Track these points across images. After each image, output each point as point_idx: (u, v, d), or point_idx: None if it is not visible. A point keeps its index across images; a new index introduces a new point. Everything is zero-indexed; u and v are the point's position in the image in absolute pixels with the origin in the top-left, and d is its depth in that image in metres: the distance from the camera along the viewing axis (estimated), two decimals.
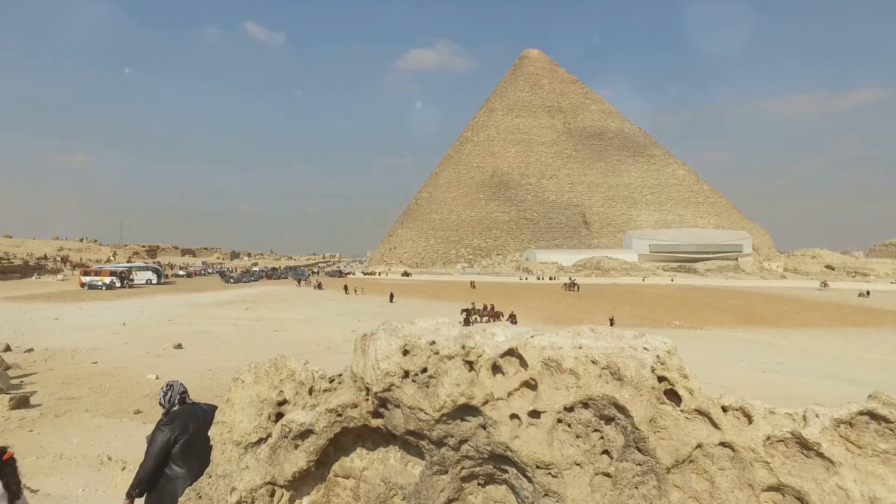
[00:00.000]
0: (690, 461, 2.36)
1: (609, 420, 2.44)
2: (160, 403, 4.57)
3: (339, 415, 2.79)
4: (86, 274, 63.73)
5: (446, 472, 2.64)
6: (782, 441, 2.34)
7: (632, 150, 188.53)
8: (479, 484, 2.70)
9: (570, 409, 2.49)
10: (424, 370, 2.62)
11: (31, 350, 20.83)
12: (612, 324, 34.94)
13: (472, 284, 79.17)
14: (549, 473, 2.45)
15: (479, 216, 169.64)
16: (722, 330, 39.75)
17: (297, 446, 2.82)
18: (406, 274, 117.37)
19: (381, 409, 2.73)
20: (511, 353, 2.63)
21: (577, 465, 2.45)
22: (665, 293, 73.96)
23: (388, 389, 2.65)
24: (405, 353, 2.68)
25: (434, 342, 2.67)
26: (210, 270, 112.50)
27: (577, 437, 2.49)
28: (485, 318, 33.66)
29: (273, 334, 29.57)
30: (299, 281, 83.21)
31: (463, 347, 2.63)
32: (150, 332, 27.67)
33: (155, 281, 72.49)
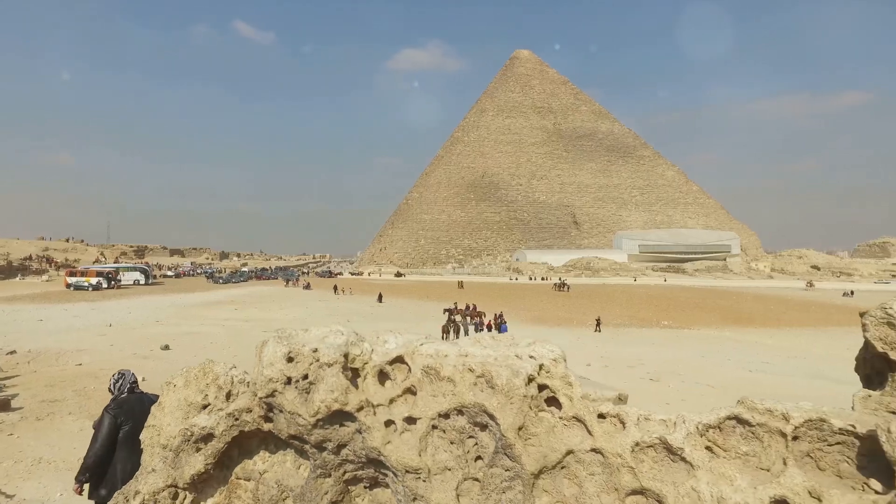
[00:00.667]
0: (562, 467, 2.48)
1: (483, 427, 2.55)
2: (109, 390, 4.67)
3: (237, 419, 2.87)
4: (71, 275, 62.87)
5: (329, 475, 2.75)
6: (652, 447, 2.45)
7: (621, 150, 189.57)
8: (365, 487, 2.82)
9: (445, 416, 2.60)
10: (305, 377, 2.71)
11: (13, 352, 20.51)
12: (598, 324, 35.07)
13: (460, 285, 79.21)
14: (418, 478, 2.57)
15: (470, 216, 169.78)
16: (710, 330, 40.07)
17: (198, 449, 2.90)
18: (399, 274, 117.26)
19: (270, 414, 2.82)
20: (400, 360, 2.74)
21: (448, 469, 2.56)
22: (654, 293, 74.42)
23: (272, 395, 2.75)
24: (290, 360, 2.77)
25: (317, 350, 2.75)
26: (199, 271, 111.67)
27: (452, 442, 2.61)
28: (467, 318, 33.86)
29: (262, 335, 29.27)
30: (287, 281, 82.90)
31: (346, 356, 2.74)
32: (137, 333, 27.40)
33: (143, 281, 71.80)
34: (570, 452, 2.50)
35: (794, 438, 2.38)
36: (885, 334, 2.55)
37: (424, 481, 2.56)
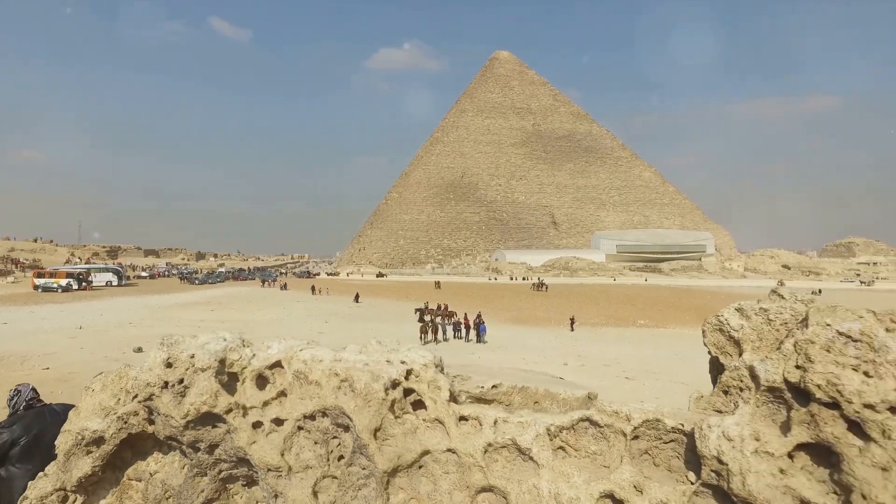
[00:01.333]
0: (419, 466, 2.67)
1: (346, 428, 2.74)
2: (7, 405, 4.69)
3: (125, 422, 2.98)
4: (39, 276, 61.11)
5: (205, 474, 2.88)
6: (505, 447, 2.65)
7: (600, 152, 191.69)
8: (242, 484, 2.96)
9: (311, 418, 2.78)
10: (181, 381, 2.85)
11: None
12: (572, 323, 35.39)
13: (437, 285, 79.21)
14: (279, 476, 2.76)
15: (449, 217, 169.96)
16: (685, 329, 40.72)
17: (88, 452, 2.99)
18: (381, 275, 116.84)
19: (152, 417, 2.95)
20: (279, 364, 2.90)
21: (309, 468, 2.75)
22: (631, 293, 75.38)
23: (150, 398, 2.90)
24: (168, 365, 2.91)
25: (194, 355, 2.89)
26: (174, 272, 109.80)
27: (316, 442, 2.80)
28: (445, 318, 34.09)
29: None
30: (264, 282, 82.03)
31: (223, 361, 2.88)
32: (109, 336, 26.82)
33: (115, 283, 70.27)
34: (426, 453, 2.67)
35: (634, 438, 2.57)
36: (717, 340, 2.74)
37: (284, 479, 2.73)
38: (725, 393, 2.59)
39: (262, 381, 2.86)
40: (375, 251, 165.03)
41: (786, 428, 2.22)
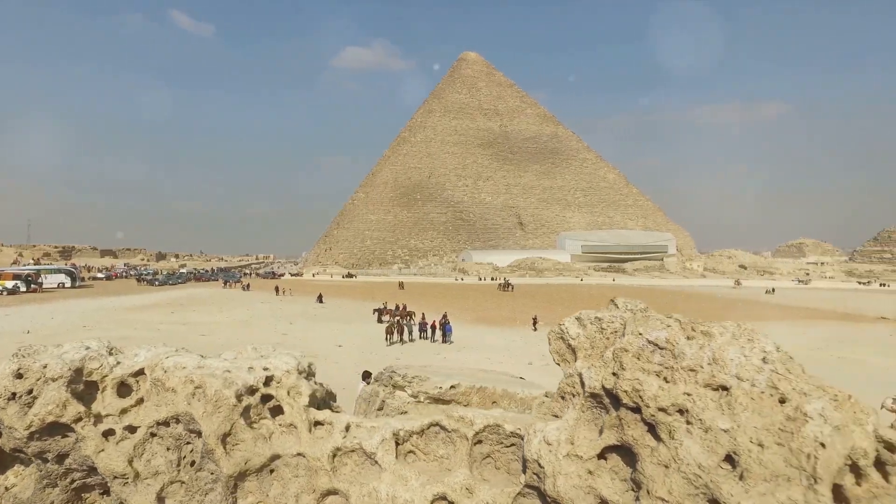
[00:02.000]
0: (271, 470, 2.75)
1: (199, 434, 2.77)
2: None
3: None
4: None
5: (56, 484, 2.85)
6: (354, 451, 2.77)
7: (565, 153, 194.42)
8: (100, 493, 2.95)
9: (165, 424, 2.82)
10: (30, 392, 2.81)
11: None
12: (535, 323, 35.75)
13: (401, 286, 79.05)
14: (125, 483, 2.77)
15: (416, 217, 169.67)
16: None
17: None
18: (350, 275, 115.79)
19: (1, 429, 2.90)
20: (142, 372, 2.93)
21: (158, 474, 2.80)
22: (595, 293, 76.66)
23: None
24: (19, 376, 2.86)
25: (46, 365, 2.85)
26: (133, 273, 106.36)
27: (168, 449, 2.83)
28: (396, 318, 34.35)
29: (199, 339, 28.33)
30: (226, 283, 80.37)
31: (80, 370, 2.87)
32: (60, 340, 25.73)
33: (69, 284, 67.57)
34: (277, 457, 2.75)
35: (478, 442, 2.70)
36: (559, 347, 2.90)
37: (130, 486, 2.75)
38: (563, 398, 2.72)
39: (124, 388, 2.88)
40: (342, 251, 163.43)
41: (601, 432, 2.39)
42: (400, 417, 2.89)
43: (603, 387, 2.38)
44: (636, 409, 2.25)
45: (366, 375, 9.99)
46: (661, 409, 2.17)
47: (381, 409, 3.50)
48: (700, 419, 2.07)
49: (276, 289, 64.66)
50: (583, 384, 2.49)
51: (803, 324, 44.18)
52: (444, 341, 29.62)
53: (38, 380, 2.77)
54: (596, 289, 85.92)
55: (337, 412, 2.92)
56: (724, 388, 2.12)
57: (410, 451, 2.66)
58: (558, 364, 2.88)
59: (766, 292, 78.91)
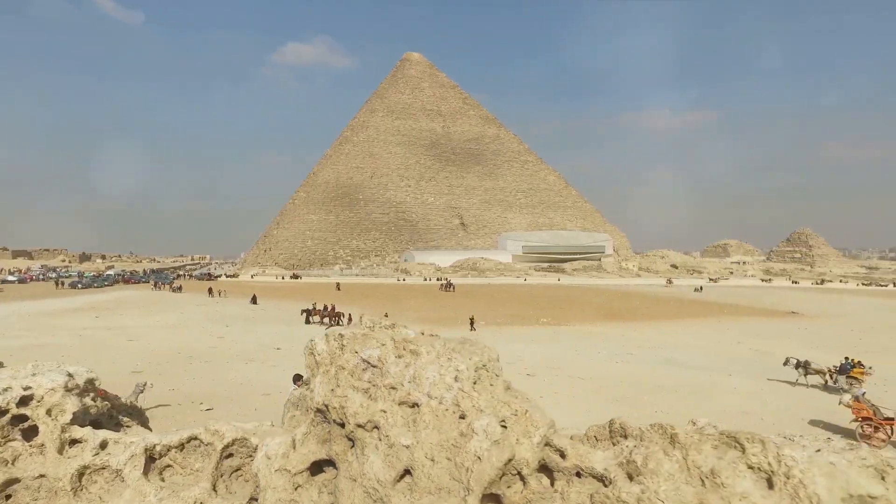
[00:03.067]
0: (7, 496, 2.66)
1: None
2: None
3: None
4: None
5: None
6: (104, 468, 2.75)
7: (507, 155, 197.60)
8: None
9: None
10: None
11: None
12: (472, 324, 36.27)
13: (337, 286, 78.31)
14: None
15: (358, 217, 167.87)
16: (584, 326, 43.06)
17: None
18: (296, 276, 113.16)
19: None
20: None
21: None
22: (535, 293, 78.42)
23: None
24: None
25: None
26: (51, 275, 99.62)
27: None
28: (324, 318, 34.22)
29: (127, 344, 27.00)
30: (156, 284, 76.83)
31: None
32: None
33: None
34: (15, 481, 2.63)
35: (228, 455, 2.78)
36: (309, 362, 3.00)
37: None
38: (306, 412, 2.84)
39: None
40: (282, 252, 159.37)
41: (316, 445, 2.53)
42: (160, 433, 2.85)
43: (324, 402, 2.52)
44: (342, 425, 2.40)
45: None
46: (360, 426, 2.33)
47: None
48: (387, 435, 2.24)
49: (210, 290, 62.39)
50: (313, 399, 2.64)
51: (727, 320, 46.98)
52: None
53: None
54: (535, 288, 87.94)
55: (128, 427, 2.92)
56: (417, 406, 2.27)
57: (168, 466, 2.67)
58: (307, 377, 2.97)
59: (695, 290, 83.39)
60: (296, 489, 2.33)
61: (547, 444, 2.10)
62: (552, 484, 2.10)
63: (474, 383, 2.20)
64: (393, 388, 2.30)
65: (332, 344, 2.68)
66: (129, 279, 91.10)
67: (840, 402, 15.78)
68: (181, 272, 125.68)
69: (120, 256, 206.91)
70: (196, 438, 2.68)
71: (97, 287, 75.07)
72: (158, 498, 2.52)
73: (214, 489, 2.54)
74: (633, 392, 19.63)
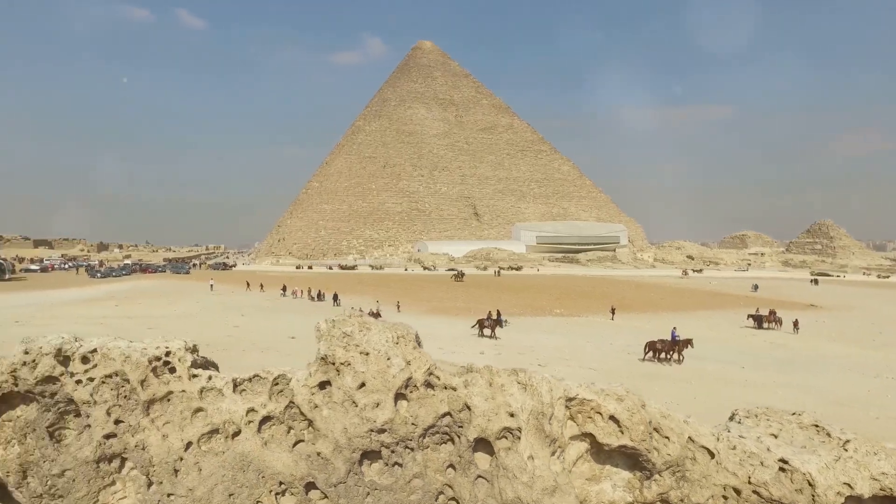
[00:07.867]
0: (168, 399, 4.23)
1: (128, 381, 4.21)
2: None
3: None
4: None
5: (49, 410, 4.23)
6: (213, 389, 4.26)
7: (520, 145, 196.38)
8: (74, 415, 4.26)
9: (109, 377, 4.20)
10: (34, 361, 4.21)
11: None
12: (499, 315, 36.27)
13: (349, 268, 77.97)
14: (89, 406, 4.17)
15: (371, 207, 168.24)
16: (597, 317, 42.95)
17: None
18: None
19: (17, 381, 4.23)
20: (95, 350, 4.25)
21: (107, 402, 4.18)
22: (549, 283, 78.19)
23: (14, 371, 4.19)
24: (26, 353, 4.21)
25: (41, 347, 4.21)
26: (71, 265, 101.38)
27: (111, 389, 4.20)
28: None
29: (146, 333, 27.44)
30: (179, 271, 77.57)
31: (59, 349, 4.18)
32: None
33: None
34: (171, 392, 4.31)
35: (275, 384, 4.28)
36: (317, 333, 4.37)
37: (91, 408, 4.16)
38: (316, 360, 4.28)
39: (86, 358, 4.23)
40: (296, 241, 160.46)
41: (321, 374, 4.18)
42: (237, 371, 4.50)
43: (324, 353, 4.22)
44: (332, 364, 4.22)
45: None
46: (342, 363, 4.18)
47: None
48: (353, 368, 4.16)
49: (248, 283, 60.55)
50: (319, 352, 4.25)
51: (743, 311, 46.49)
52: None
53: (37, 354, 4.17)
54: (549, 278, 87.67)
55: (209, 370, 4.52)
56: (367, 354, 4.16)
57: (244, 390, 4.26)
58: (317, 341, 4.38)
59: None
60: (312, 395, 4.11)
61: (431, 374, 4.06)
62: (433, 391, 4.05)
63: (395, 343, 4.13)
64: (357, 345, 4.11)
65: (328, 324, 4.26)
66: (146, 269, 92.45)
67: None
68: (195, 262, 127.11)
69: (136, 246, 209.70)
70: (258, 375, 4.28)
71: (115, 277, 76.35)
72: (243, 400, 4.21)
73: (270, 399, 4.21)
74: (643, 383, 19.60)
